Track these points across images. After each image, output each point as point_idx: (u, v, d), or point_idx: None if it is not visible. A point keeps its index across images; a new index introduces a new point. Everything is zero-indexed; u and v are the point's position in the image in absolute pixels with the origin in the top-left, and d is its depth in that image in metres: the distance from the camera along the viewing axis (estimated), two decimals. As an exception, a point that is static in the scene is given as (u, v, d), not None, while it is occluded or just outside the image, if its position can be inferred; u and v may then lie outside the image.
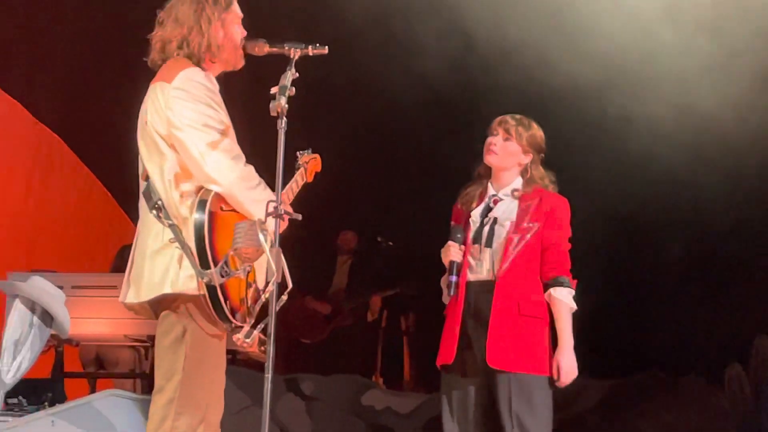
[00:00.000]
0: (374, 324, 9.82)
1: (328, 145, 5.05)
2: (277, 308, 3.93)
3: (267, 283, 4.01)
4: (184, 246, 4.08)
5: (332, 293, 9.81)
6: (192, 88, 4.17)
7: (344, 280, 9.90)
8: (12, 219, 8.81)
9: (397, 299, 9.79)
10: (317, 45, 4.26)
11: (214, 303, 4.04)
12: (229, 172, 4.11)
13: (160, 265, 4.13)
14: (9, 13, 7.98)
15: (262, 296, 4.08)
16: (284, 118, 3.99)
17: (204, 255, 4.04)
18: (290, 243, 4.15)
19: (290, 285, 3.96)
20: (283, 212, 3.96)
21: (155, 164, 4.20)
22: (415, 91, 8.32)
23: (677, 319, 9.03)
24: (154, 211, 4.17)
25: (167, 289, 4.10)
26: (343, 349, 9.89)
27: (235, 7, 4.40)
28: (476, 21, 7.84)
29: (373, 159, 9.02)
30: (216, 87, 4.31)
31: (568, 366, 4.93)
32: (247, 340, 4.04)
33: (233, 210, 4.17)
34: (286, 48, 4.24)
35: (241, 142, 4.31)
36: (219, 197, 4.13)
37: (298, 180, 4.61)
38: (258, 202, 4.11)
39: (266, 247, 3.95)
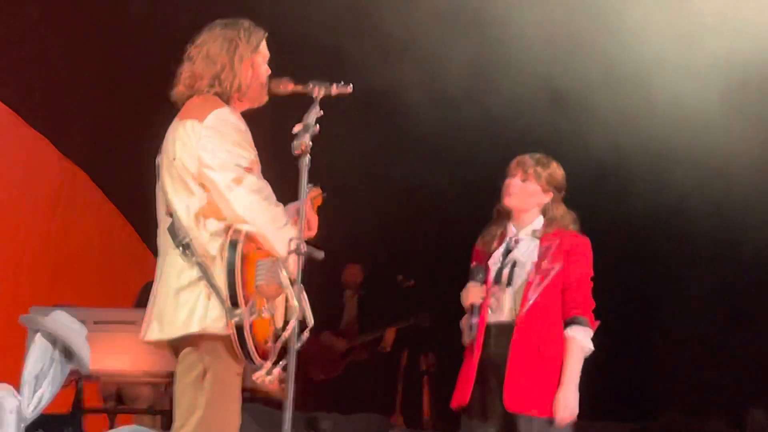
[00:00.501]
0: (394, 362, 9.78)
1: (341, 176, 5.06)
2: (298, 346, 3.93)
3: (286, 322, 4.01)
4: (213, 285, 4.08)
5: (344, 328, 9.79)
6: (224, 129, 4.20)
7: (354, 314, 9.88)
8: (35, 253, 8.84)
9: (415, 337, 9.75)
10: (341, 83, 4.29)
11: (242, 342, 4.04)
12: (260, 212, 4.13)
13: (186, 303, 4.13)
14: (35, 48, 8.04)
15: (284, 334, 4.08)
16: (308, 156, 4.01)
17: (235, 295, 4.04)
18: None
19: (311, 323, 3.97)
20: (304, 250, 3.97)
21: (182, 201, 4.21)
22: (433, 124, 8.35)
23: (697, 361, 8.98)
24: (180, 248, 4.17)
25: (194, 328, 4.10)
26: (362, 387, 9.86)
27: (263, 47, 4.43)
28: (496, 57, 7.86)
29: (386, 192, 9.02)
30: (245, 126, 4.34)
31: (566, 403, 4.87)
32: (269, 378, 4.04)
33: (261, 249, 4.17)
34: (310, 86, 4.27)
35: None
36: (250, 237, 4.14)
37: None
38: (285, 241, 4.12)
39: (288, 285, 3.96)
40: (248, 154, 4.21)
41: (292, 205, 4.49)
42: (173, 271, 4.20)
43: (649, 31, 7.53)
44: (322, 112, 4.13)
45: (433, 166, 8.78)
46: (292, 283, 4.02)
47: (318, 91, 4.22)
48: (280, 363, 4.06)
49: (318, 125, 4.07)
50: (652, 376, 9.19)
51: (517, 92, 7.81)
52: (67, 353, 5.57)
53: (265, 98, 4.44)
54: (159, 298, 4.25)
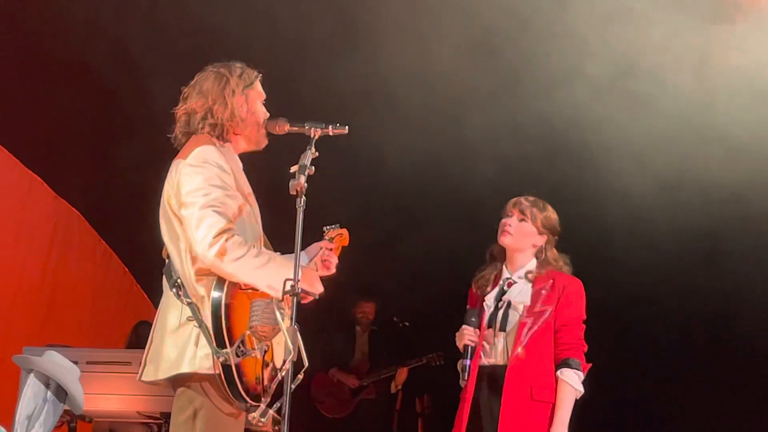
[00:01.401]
0: (389, 404, 9.75)
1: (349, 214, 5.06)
2: (293, 387, 3.91)
3: (284, 362, 4.00)
4: (201, 325, 4.08)
5: (354, 365, 9.77)
6: (201, 166, 4.18)
7: (365, 351, 9.87)
8: (29, 293, 8.81)
9: (412, 379, 9.73)
10: (337, 125, 4.29)
11: (229, 382, 4.03)
12: (207, 248, 4.05)
13: (178, 343, 4.13)
14: (31, 87, 8.05)
15: (279, 375, 4.06)
16: (303, 197, 4.01)
17: (220, 334, 4.03)
18: (309, 315, 4.15)
19: (306, 364, 3.95)
20: (300, 290, 3.95)
21: (173, 242, 4.22)
22: (430, 169, 8.36)
23: (695, 406, 8.95)
24: (174, 290, 4.18)
25: (184, 368, 4.09)
26: (358, 428, 9.81)
27: (258, 86, 4.44)
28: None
29: (396, 231, 9.03)
30: (238, 165, 4.33)
31: None
32: (263, 420, 4.02)
33: (253, 288, 4.16)
34: (306, 127, 4.28)
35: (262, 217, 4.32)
36: None
37: (319, 260, 4.58)
38: (271, 278, 4.09)
39: (283, 325, 3.95)
40: (223, 195, 4.16)
41: (313, 246, 4.53)
42: (168, 311, 4.21)
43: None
44: (317, 153, 4.13)
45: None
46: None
47: (314, 132, 4.23)
48: (275, 405, 4.04)
49: (314, 167, 4.06)
50: (647, 419, 9.17)
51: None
52: (60, 393, 5.54)
53: (265, 141, 4.45)
54: (155, 339, 4.25)
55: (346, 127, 4.29)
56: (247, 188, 4.38)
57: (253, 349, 4.07)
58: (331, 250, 4.62)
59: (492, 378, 5.00)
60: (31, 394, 5.53)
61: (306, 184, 4.00)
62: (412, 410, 9.93)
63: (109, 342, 8.93)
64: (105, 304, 9.56)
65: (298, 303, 3.97)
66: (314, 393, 9.63)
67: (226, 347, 4.01)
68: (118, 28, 7.52)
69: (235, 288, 4.11)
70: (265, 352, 4.14)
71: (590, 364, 5.02)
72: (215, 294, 4.07)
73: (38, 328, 8.64)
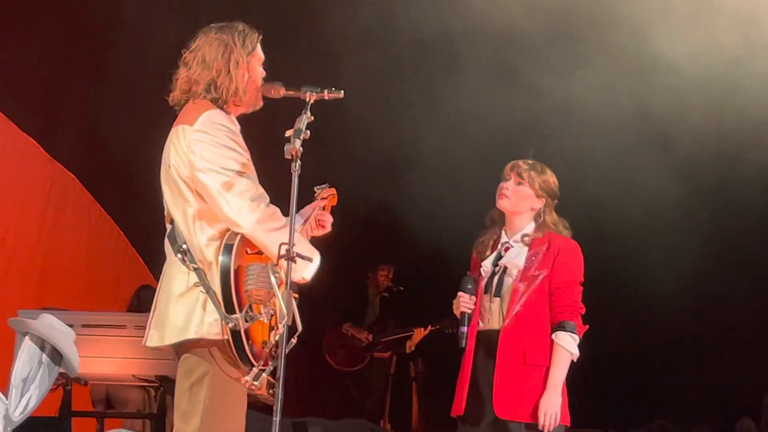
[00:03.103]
0: (384, 369, 9.80)
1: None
2: (287, 351, 3.92)
3: (278, 326, 3.99)
4: (209, 290, 4.07)
5: (368, 325, 9.85)
6: (213, 131, 4.17)
7: (377, 312, 9.96)
8: (24, 256, 8.81)
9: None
10: (333, 89, 4.26)
11: (238, 347, 4.03)
12: (249, 214, 4.08)
13: (184, 309, 4.12)
14: (27, 51, 8.02)
15: (272, 338, 4.06)
16: (298, 161, 3.99)
17: (230, 299, 4.03)
18: (324, 276, 4.15)
19: (300, 328, 3.95)
20: (295, 254, 3.95)
21: (179, 208, 4.20)
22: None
23: (688, 370, 8.99)
24: (179, 255, 4.16)
25: (191, 334, 4.09)
26: (351, 392, 9.87)
27: (259, 50, 4.39)
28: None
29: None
30: (237, 128, 4.31)
31: (549, 409, 4.86)
32: (256, 383, 4.02)
33: (259, 253, 4.15)
34: (302, 92, 4.24)
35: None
36: (245, 241, 4.12)
37: (313, 220, 4.58)
38: (278, 244, 4.07)
39: (277, 289, 3.95)
40: (239, 156, 4.18)
41: (307, 208, 4.53)
42: (173, 277, 4.20)
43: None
44: (312, 118, 4.11)
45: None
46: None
47: (310, 97, 4.20)
48: (268, 368, 4.04)
49: (308, 131, 4.04)
50: (642, 384, 9.20)
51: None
52: (56, 356, 5.54)
53: (261, 103, 4.42)
54: (159, 304, 4.24)
55: (342, 91, 4.27)
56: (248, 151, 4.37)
57: (260, 313, 4.07)
58: (324, 209, 4.62)
59: (488, 343, 4.99)
60: (26, 357, 5.52)
61: (301, 148, 3.99)
62: (406, 374, 9.98)
63: (104, 305, 8.94)
64: (100, 268, 9.56)
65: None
66: (326, 345, 9.72)
67: (235, 312, 4.01)
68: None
69: (242, 253, 4.10)
70: (272, 315, 4.13)
71: (586, 326, 5.01)
72: (224, 259, 4.06)
73: (33, 292, 8.65)
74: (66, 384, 6.89)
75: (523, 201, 5.12)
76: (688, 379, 8.98)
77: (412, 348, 9.67)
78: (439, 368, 9.20)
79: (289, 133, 4.05)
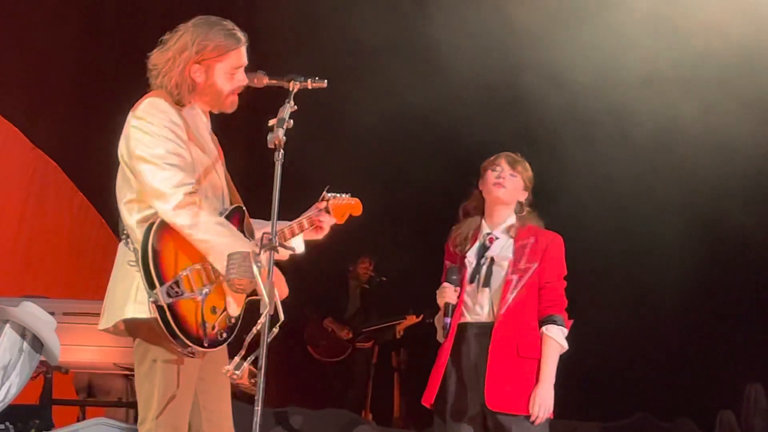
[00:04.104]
0: (366, 359, 9.83)
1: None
2: (269, 340, 3.91)
3: (261, 315, 3.98)
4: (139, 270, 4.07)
5: (349, 317, 9.88)
6: (150, 117, 4.15)
7: (358, 305, 9.99)
8: (5, 243, 8.78)
9: (388, 334, 9.81)
10: (316, 78, 4.25)
11: (165, 323, 4.00)
12: (164, 203, 4.05)
13: (122, 290, 4.13)
14: (9, 38, 7.98)
15: (254, 328, 4.04)
16: (281, 151, 3.98)
17: (148, 274, 4.02)
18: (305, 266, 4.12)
19: (282, 317, 3.94)
20: (277, 244, 3.94)
21: (121, 191, 4.23)
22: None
23: (670, 363, 9.02)
24: (123, 237, 4.18)
25: (126, 314, 4.10)
26: (333, 383, 9.88)
27: (234, 57, 4.30)
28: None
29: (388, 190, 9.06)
30: (193, 119, 4.29)
31: (542, 401, 4.88)
32: (237, 372, 4.00)
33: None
34: (286, 81, 4.23)
35: (240, 173, 4.29)
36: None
37: (306, 220, 4.54)
38: (210, 235, 4.06)
39: (259, 279, 3.93)
40: (173, 147, 4.14)
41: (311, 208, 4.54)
42: (118, 260, 4.23)
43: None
44: (296, 107, 4.09)
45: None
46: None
47: (293, 86, 4.18)
48: (250, 357, 4.03)
49: (292, 120, 4.03)
50: (625, 376, 9.22)
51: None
52: (36, 344, 5.53)
53: (231, 107, 4.36)
54: (108, 287, 4.25)
55: (325, 81, 4.25)
56: (207, 143, 4.34)
57: (192, 291, 4.06)
58: (327, 212, 4.58)
59: (478, 335, 4.98)
60: (7, 345, 5.51)
61: (284, 138, 3.97)
62: (388, 364, 10.00)
63: (85, 293, 8.90)
64: (81, 255, 9.54)
65: (277, 258, 3.97)
66: (308, 336, 9.75)
67: (155, 287, 4.00)
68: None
69: (162, 230, 4.08)
70: (206, 295, 4.10)
71: (572, 320, 5.03)
72: (144, 235, 4.05)
73: (14, 279, 8.62)
74: (47, 372, 6.88)
75: (515, 192, 5.13)
76: (670, 371, 9.01)
77: (401, 333, 9.71)
78: (421, 358, 9.20)
79: (272, 122, 4.04)
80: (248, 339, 4.02)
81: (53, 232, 9.26)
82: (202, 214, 4.07)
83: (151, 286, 4.01)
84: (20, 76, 8.29)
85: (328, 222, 4.57)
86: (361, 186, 4.79)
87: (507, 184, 5.10)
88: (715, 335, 8.92)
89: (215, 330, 4.14)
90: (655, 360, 9.12)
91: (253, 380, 4.02)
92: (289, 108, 4.07)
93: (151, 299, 4.01)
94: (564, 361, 5.04)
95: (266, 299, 3.89)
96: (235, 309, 4.20)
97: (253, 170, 4.50)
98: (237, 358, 4.03)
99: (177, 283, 4.04)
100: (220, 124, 4.47)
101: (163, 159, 4.10)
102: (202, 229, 4.06)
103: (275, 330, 3.95)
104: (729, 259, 8.84)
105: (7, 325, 5.54)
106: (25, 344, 5.53)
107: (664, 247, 8.77)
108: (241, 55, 4.32)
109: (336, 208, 4.64)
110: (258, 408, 3.87)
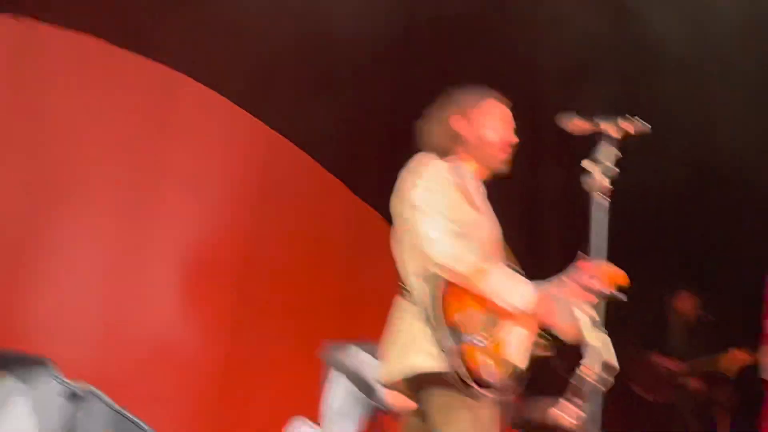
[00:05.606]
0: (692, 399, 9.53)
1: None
2: (602, 390, 3.88)
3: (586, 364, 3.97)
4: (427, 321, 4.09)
5: (675, 353, 9.64)
6: (425, 171, 4.22)
7: (683, 339, 9.69)
8: (330, 288, 9.03)
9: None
10: (636, 117, 4.09)
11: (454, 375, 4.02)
12: (454, 262, 4.06)
13: (403, 343, 4.20)
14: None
15: (582, 375, 4.01)
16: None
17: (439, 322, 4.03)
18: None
19: (616, 366, 3.92)
20: (610, 293, 3.91)
21: (398, 243, 4.32)
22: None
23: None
24: (404, 291, 4.27)
25: (416, 369, 4.14)
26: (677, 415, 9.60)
27: (487, 107, 4.39)
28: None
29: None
30: (462, 178, 4.31)
31: None
32: (566, 415, 4.01)
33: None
34: (603, 125, 4.08)
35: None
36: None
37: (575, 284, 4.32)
38: (507, 291, 4.12)
39: (584, 325, 3.94)
40: (448, 202, 4.18)
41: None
42: (397, 312, 4.31)
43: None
44: (620, 155, 3.98)
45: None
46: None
47: (616, 131, 4.06)
48: (578, 402, 4.02)
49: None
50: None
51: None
52: (368, 390, 5.70)
53: (500, 165, 4.41)
54: (387, 340, 4.34)
55: (649, 125, 4.10)
56: (475, 203, 4.36)
57: (473, 337, 4.07)
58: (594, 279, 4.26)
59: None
60: (339, 392, 5.72)
61: (610, 187, 3.90)
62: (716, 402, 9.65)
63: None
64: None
65: (606, 305, 3.95)
66: (633, 374, 9.53)
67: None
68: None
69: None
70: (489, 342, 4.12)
71: None
72: (430, 285, 4.10)
73: (340, 323, 8.85)
74: (375, 417, 7.04)
75: None
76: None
77: (730, 374, 9.32)
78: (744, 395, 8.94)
79: (589, 165, 3.97)
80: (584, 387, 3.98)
81: (379, 279, 9.48)
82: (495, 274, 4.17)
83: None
84: (340, 128, 8.55)
85: (596, 288, 4.23)
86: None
87: None
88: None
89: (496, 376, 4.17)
90: None
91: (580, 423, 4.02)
92: (613, 154, 3.97)
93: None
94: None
95: (594, 344, 3.88)
96: (520, 356, 4.26)
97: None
98: (567, 403, 4.04)
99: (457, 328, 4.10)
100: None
101: (439, 213, 4.18)
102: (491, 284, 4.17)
103: (610, 380, 3.90)
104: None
105: (338, 373, 5.74)
106: (357, 390, 5.71)
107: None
108: (499, 108, 4.50)
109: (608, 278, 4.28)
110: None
